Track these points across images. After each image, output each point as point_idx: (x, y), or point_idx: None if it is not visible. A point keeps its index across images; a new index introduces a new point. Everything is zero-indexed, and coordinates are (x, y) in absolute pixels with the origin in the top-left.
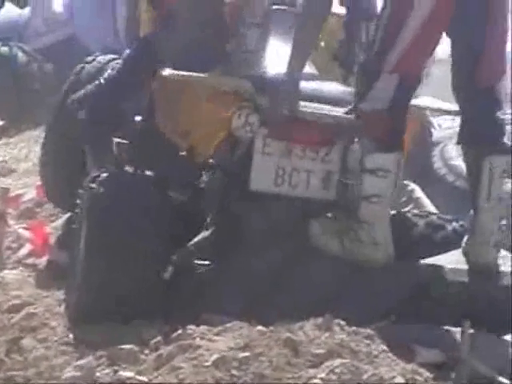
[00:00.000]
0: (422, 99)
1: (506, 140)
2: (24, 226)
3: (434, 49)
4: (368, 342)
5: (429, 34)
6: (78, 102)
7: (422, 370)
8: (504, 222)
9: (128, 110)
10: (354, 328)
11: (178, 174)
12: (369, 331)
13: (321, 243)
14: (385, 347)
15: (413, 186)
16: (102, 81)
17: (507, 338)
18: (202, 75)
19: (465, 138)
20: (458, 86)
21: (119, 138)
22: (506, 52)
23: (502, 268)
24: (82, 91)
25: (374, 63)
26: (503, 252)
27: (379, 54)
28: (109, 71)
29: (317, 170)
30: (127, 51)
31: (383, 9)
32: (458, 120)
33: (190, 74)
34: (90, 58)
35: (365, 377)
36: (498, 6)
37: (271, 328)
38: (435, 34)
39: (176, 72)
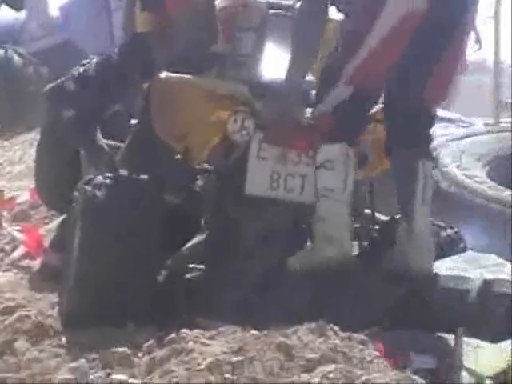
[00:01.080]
0: None
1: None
2: (18, 228)
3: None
4: (361, 347)
5: (387, 51)
6: (55, 90)
7: (415, 377)
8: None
9: (118, 109)
10: (347, 333)
11: (172, 177)
12: (362, 337)
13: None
14: (378, 353)
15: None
16: (86, 74)
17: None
18: (198, 78)
19: (398, 140)
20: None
21: (112, 139)
22: (455, 78)
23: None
24: (62, 80)
25: (333, 72)
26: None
27: (339, 64)
28: (95, 66)
29: (312, 175)
30: (118, 47)
31: (344, 20)
32: (450, 127)
33: (187, 77)
34: (85, 62)
35: (358, 382)
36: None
37: (265, 332)
38: (393, 51)
39: (173, 75)
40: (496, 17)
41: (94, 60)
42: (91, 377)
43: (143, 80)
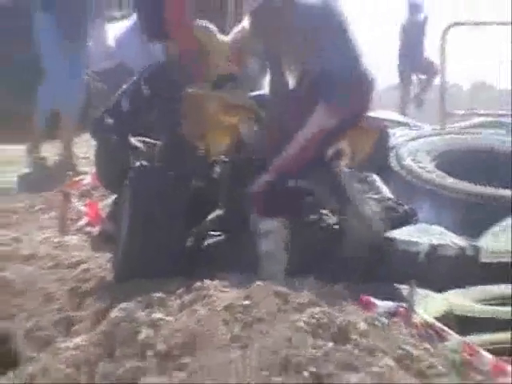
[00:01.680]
0: (384, 113)
1: None
2: (82, 203)
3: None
4: (339, 296)
5: (304, 154)
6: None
7: (380, 318)
8: None
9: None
10: (329, 286)
11: (197, 167)
12: (340, 288)
13: None
14: (351, 299)
15: (374, 176)
16: (119, 107)
17: None
18: (216, 92)
19: None
20: None
21: (154, 139)
22: None
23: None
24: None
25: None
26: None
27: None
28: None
29: None
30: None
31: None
32: (407, 130)
33: (208, 91)
34: (119, 92)
35: (337, 321)
36: None
37: (266, 283)
38: (309, 154)
39: (198, 90)
40: (442, 48)
41: (126, 90)
42: (136, 315)
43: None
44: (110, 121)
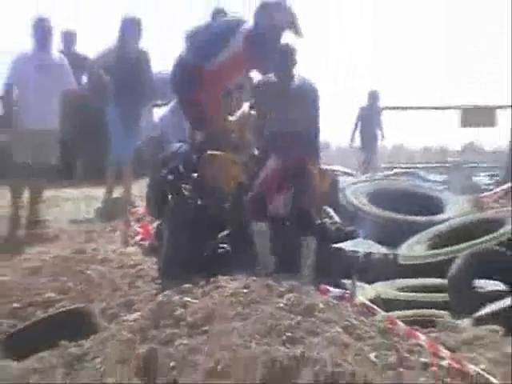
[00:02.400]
0: (336, 166)
1: None
2: (138, 225)
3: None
4: (306, 286)
5: (269, 182)
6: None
7: (333, 300)
8: None
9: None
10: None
11: (213, 201)
12: (307, 282)
13: None
14: (313, 288)
15: (329, 209)
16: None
17: None
18: (227, 154)
19: None
20: None
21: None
22: None
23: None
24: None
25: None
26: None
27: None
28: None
29: None
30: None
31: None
32: (350, 177)
33: (222, 153)
34: (169, 148)
35: (305, 303)
36: None
37: (258, 278)
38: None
39: (213, 151)
40: None
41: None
42: (172, 299)
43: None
44: (170, 177)
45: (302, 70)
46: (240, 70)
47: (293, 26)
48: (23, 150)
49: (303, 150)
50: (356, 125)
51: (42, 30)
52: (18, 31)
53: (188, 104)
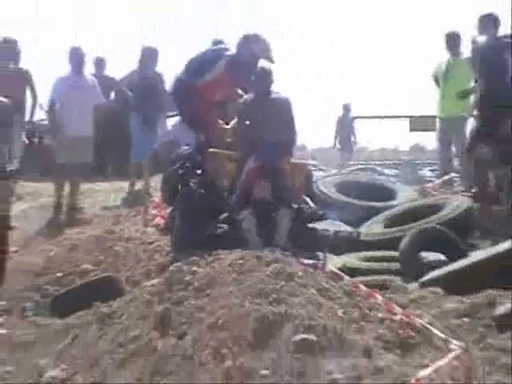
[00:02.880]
0: (311, 161)
1: None
2: (155, 211)
3: None
4: (289, 258)
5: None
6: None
7: (309, 269)
8: None
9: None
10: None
11: (215, 190)
12: (289, 254)
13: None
14: (295, 259)
15: (304, 197)
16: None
17: None
18: (225, 152)
19: None
20: None
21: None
22: None
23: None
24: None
25: None
26: (340, 223)
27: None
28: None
29: None
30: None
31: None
32: (322, 171)
33: (220, 151)
34: (179, 150)
35: (287, 270)
36: None
37: (250, 251)
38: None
39: (215, 150)
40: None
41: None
42: (183, 268)
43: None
44: (180, 172)
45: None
46: (224, 87)
47: (267, 55)
48: (64, 152)
49: (276, 152)
50: (336, 131)
51: (76, 57)
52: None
53: (187, 113)
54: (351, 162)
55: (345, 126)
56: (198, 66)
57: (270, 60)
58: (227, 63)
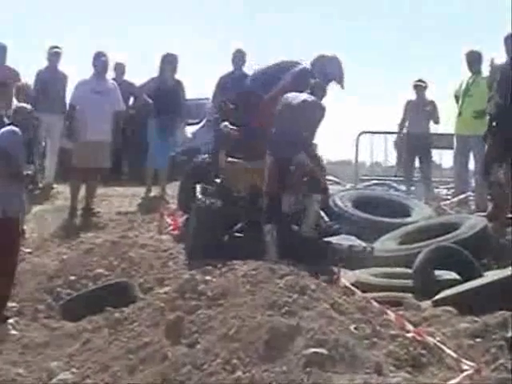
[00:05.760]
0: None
1: None
2: (170, 218)
3: None
4: (301, 270)
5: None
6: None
7: (321, 282)
8: None
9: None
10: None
11: (231, 199)
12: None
13: None
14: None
15: (321, 212)
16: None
17: None
18: (242, 162)
19: None
20: None
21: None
22: None
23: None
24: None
25: None
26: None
27: None
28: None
29: None
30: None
31: None
32: (338, 186)
33: (238, 161)
34: (197, 158)
35: (300, 283)
36: None
37: (264, 263)
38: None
39: (231, 159)
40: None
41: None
42: (196, 277)
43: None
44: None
45: None
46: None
47: (339, 80)
48: (82, 156)
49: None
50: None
51: (100, 62)
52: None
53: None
54: (367, 177)
55: None
56: (267, 80)
57: (342, 86)
58: (295, 76)
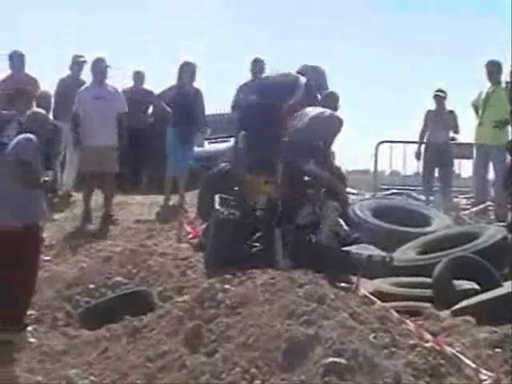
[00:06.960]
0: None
1: None
2: (189, 227)
3: None
4: (320, 279)
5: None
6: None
7: (340, 291)
8: None
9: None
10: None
11: (249, 211)
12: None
13: None
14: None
15: (340, 220)
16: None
17: None
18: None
19: None
20: None
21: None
22: None
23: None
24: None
25: None
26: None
27: None
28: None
29: None
30: None
31: None
32: (357, 195)
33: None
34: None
35: (319, 292)
36: None
37: (282, 272)
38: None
39: (251, 175)
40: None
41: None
42: (216, 286)
43: None
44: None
45: None
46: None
47: (325, 86)
48: (88, 162)
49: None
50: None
51: (99, 68)
52: None
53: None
54: (386, 187)
55: None
56: (279, 91)
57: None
58: (304, 88)
